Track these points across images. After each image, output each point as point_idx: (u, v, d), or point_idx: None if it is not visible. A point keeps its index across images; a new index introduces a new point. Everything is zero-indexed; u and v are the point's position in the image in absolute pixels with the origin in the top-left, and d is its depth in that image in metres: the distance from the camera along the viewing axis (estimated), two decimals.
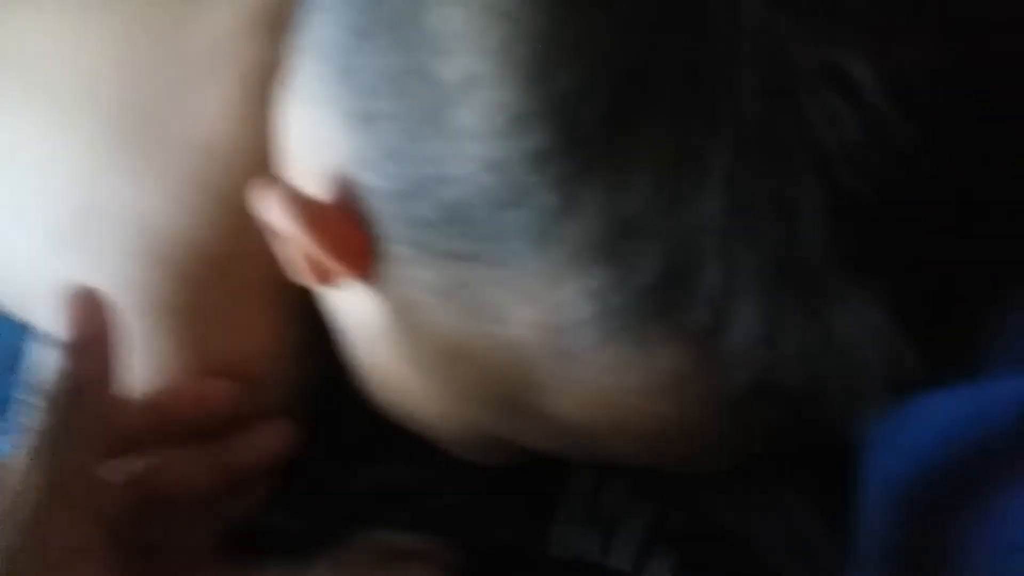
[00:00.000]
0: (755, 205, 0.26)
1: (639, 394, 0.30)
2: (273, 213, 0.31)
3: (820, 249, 0.26)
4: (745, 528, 0.35)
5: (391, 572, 0.40)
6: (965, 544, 0.27)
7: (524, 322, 0.30)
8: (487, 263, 0.29)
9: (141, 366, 0.36)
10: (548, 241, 0.28)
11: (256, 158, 0.35)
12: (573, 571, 0.39)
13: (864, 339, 0.27)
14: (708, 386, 0.29)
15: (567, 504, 0.40)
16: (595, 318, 0.28)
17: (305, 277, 0.33)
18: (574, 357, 0.29)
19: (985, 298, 0.28)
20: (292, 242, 0.32)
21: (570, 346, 0.29)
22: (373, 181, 0.30)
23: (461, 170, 0.28)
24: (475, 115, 0.27)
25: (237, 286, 0.37)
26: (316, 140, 0.33)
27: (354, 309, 0.35)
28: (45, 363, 0.33)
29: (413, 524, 0.41)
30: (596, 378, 0.30)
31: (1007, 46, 0.29)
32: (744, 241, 0.26)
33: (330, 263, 0.32)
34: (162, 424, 0.36)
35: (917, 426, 0.28)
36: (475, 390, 0.33)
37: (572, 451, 0.34)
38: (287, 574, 0.41)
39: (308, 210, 0.31)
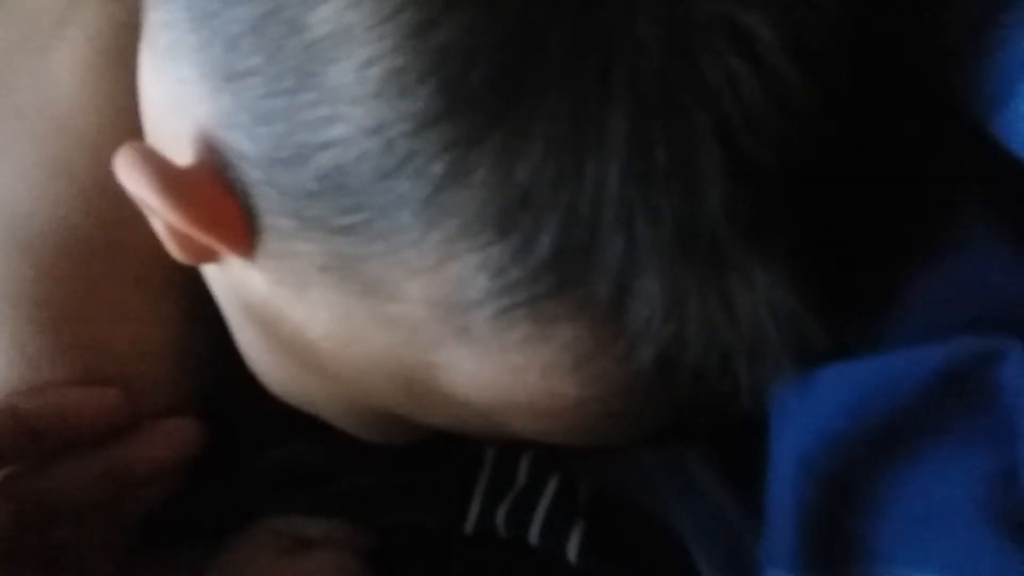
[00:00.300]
0: (654, 172, 0.25)
1: (540, 372, 0.29)
2: (130, 180, 0.29)
3: (720, 218, 0.25)
4: (652, 499, 0.35)
5: (294, 560, 0.39)
6: (875, 517, 0.28)
7: (417, 299, 0.28)
8: (373, 236, 0.27)
9: (10, 367, 0.34)
10: (436, 212, 0.26)
11: (118, 128, 0.33)
12: (486, 549, 0.39)
13: (766, 312, 0.26)
14: (611, 362, 0.28)
15: (479, 481, 0.39)
16: (491, 294, 0.27)
17: (178, 253, 0.31)
18: (471, 335, 0.28)
19: (888, 265, 0.28)
20: (156, 214, 0.30)
21: (467, 324, 0.28)
22: (243, 146, 0.28)
23: (338, 134, 0.26)
24: (349, 73, 0.25)
25: (112, 274, 0.35)
26: (176, 100, 0.30)
27: (235, 287, 0.33)
28: None
29: (322, 507, 0.40)
30: (495, 357, 0.29)
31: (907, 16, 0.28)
32: (644, 211, 0.25)
33: (199, 236, 0.29)
34: (28, 437, 0.34)
35: (824, 399, 0.28)
36: (369, 371, 0.31)
37: (473, 430, 0.34)
38: (191, 562, 0.40)
39: (168, 176, 0.29)
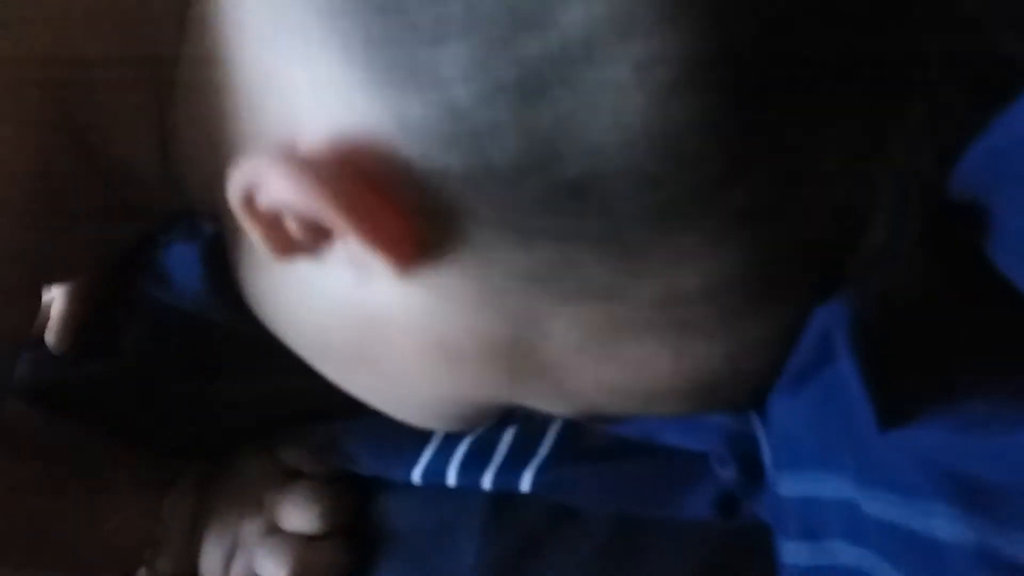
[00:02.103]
0: (916, 184, 0.26)
1: (744, 355, 0.28)
2: (282, 189, 0.25)
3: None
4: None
5: (286, 486, 0.42)
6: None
7: (642, 300, 0.26)
8: (608, 243, 0.25)
9: None
10: (698, 213, 0.24)
11: None
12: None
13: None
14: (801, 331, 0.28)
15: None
16: (743, 283, 0.26)
17: (278, 253, 0.27)
18: (691, 328, 0.27)
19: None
20: (283, 216, 0.26)
21: (693, 319, 0.27)
22: (438, 158, 0.24)
23: (594, 142, 0.23)
24: (623, 71, 0.22)
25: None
26: (295, 91, 0.26)
27: (348, 290, 0.28)
28: None
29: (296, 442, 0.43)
30: (704, 346, 0.27)
31: None
32: (913, 194, 0.26)
33: (359, 244, 0.25)
34: None
35: None
36: (527, 372, 0.29)
37: (592, 413, 0.32)
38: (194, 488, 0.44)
39: (330, 181, 0.24)
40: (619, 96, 0.22)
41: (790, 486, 0.32)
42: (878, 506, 0.27)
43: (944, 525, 0.25)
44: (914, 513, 0.26)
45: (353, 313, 0.29)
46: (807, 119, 0.24)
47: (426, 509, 0.40)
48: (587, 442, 0.38)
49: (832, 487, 0.30)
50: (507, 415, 0.36)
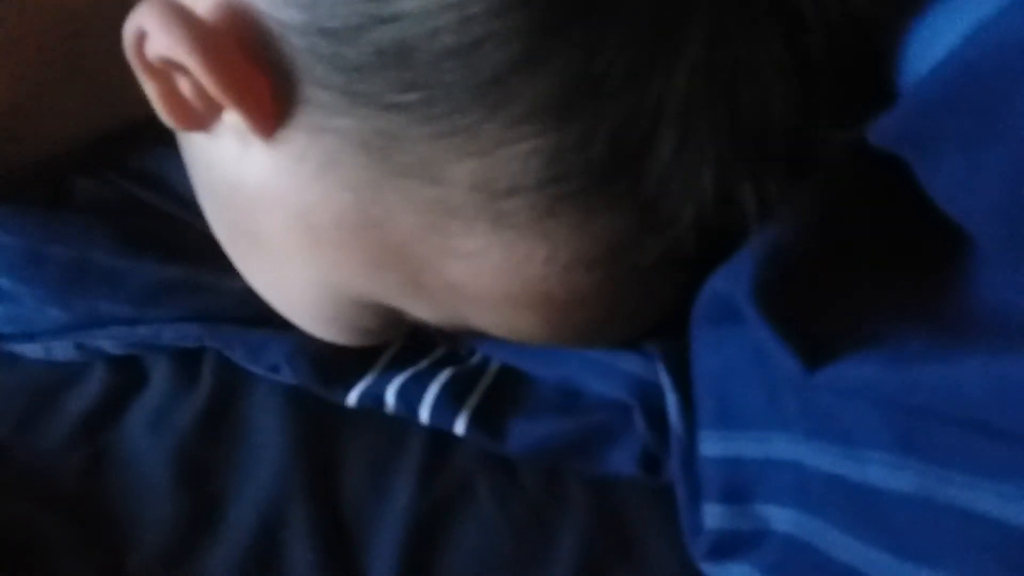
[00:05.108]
0: (723, 69, 0.26)
1: (566, 264, 0.29)
2: (164, 37, 0.27)
3: (777, 115, 0.27)
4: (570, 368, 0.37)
5: None
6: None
7: (461, 182, 0.28)
8: (428, 117, 0.27)
9: None
10: (502, 96, 0.26)
11: None
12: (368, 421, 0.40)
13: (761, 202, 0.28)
14: (636, 256, 0.29)
15: (381, 357, 0.40)
16: (541, 181, 0.27)
17: (170, 117, 0.29)
18: (509, 222, 0.28)
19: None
20: (173, 74, 0.28)
21: (507, 209, 0.28)
22: (285, 14, 0.26)
23: (408, 8, 0.25)
24: None
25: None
26: None
27: (235, 162, 0.31)
28: None
29: None
30: (526, 246, 0.29)
31: None
32: (706, 105, 0.26)
33: (222, 104, 0.28)
34: None
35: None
36: (376, 258, 0.30)
37: (449, 323, 0.33)
38: None
39: (204, 39, 0.27)
40: None
41: (712, 445, 0.32)
42: (820, 459, 0.28)
43: (881, 471, 0.26)
44: (850, 461, 0.26)
45: (240, 186, 0.31)
46: (594, 20, 0.25)
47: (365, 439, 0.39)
48: (521, 391, 0.39)
49: (778, 447, 0.30)
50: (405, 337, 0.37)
